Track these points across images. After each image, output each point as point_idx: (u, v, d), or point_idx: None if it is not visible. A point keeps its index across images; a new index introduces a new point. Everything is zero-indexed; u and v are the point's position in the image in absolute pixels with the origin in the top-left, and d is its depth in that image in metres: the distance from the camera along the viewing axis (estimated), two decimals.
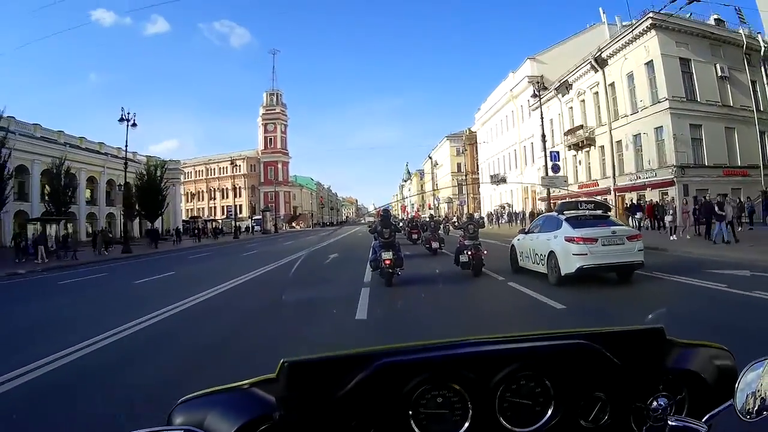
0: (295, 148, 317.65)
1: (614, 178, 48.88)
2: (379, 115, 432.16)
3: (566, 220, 14.49)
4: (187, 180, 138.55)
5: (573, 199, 18.48)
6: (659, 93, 42.75)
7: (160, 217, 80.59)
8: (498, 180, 78.64)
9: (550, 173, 42.04)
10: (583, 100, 54.29)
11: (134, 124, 43.36)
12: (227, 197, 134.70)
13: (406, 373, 1.65)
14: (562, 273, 13.44)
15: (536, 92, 47.16)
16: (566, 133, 55.58)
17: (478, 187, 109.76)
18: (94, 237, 45.79)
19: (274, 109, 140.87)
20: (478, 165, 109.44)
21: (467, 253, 15.85)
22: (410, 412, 1.66)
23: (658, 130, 43.09)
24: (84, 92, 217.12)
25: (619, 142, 48.54)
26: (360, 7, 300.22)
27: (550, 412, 1.74)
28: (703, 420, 1.65)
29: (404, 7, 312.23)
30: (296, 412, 1.54)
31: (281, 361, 1.66)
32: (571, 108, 56.19)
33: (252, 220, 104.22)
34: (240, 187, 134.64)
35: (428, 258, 23.72)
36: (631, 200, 45.25)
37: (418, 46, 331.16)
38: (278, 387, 1.64)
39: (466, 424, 1.68)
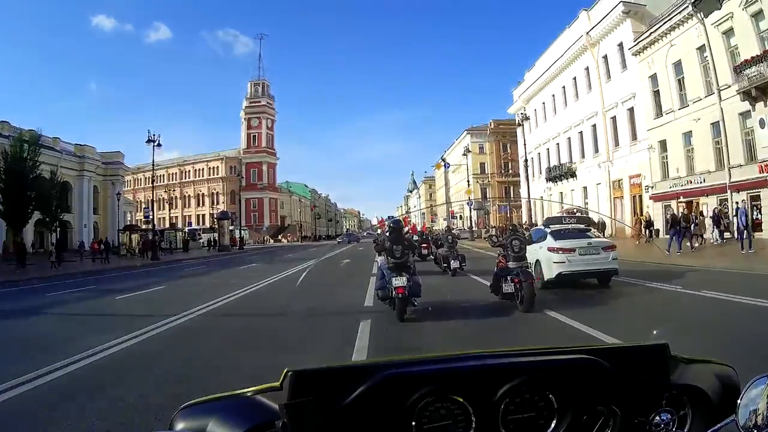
0: (295, 161, 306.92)
1: None
2: (383, 129, 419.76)
3: (551, 232, 15.85)
4: (158, 185, 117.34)
5: (557, 215, 20.91)
6: None
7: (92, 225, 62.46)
8: (561, 174, 53.19)
9: None
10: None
11: None
12: (203, 204, 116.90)
13: (410, 385, 1.62)
14: (545, 279, 14.71)
15: None
16: (738, 68, 29.28)
17: (508, 189, 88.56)
18: None
19: (259, 101, 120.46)
20: (504, 163, 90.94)
21: (512, 279, 12.01)
22: (413, 424, 1.62)
23: None
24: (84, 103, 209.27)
25: None
26: (363, 22, 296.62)
27: (553, 425, 1.71)
28: None
29: (404, 18, 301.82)
30: (299, 422, 1.48)
31: (285, 370, 1.63)
32: (729, 32, 30.34)
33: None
34: (217, 193, 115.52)
35: (448, 281, 18.97)
36: None
37: (421, 58, 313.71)
38: (281, 396, 1.60)
39: None
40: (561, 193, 55.51)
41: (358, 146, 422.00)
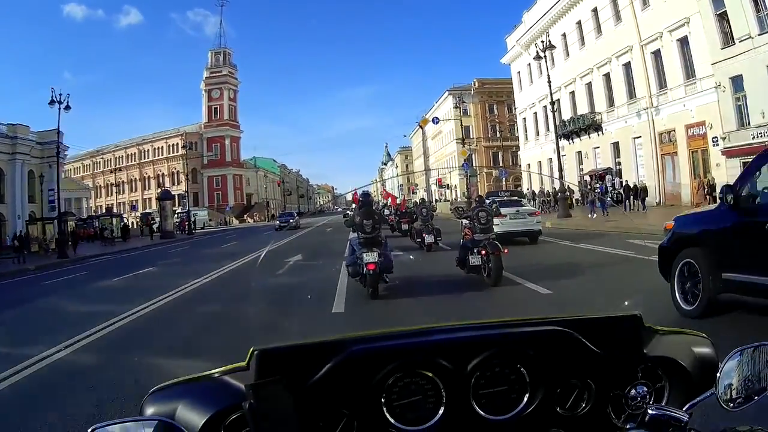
0: (268, 139, 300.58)
1: None
2: (357, 103, 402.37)
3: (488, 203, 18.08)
4: (118, 166, 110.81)
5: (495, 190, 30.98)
6: None
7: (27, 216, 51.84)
8: (579, 128, 44.32)
9: None
10: None
11: None
12: (164, 185, 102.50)
13: (378, 361, 1.61)
14: None
15: None
16: None
17: (497, 154, 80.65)
18: None
19: (220, 71, 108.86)
20: (491, 126, 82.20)
21: (479, 252, 11.71)
22: (383, 400, 1.61)
23: None
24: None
25: None
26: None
27: (525, 399, 1.70)
28: (684, 408, 1.56)
29: None
30: (265, 402, 1.42)
31: (251, 349, 1.59)
32: None
33: (177, 214, 68.72)
34: (178, 172, 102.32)
35: (423, 257, 18.47)
36: None
37: (394, 30, 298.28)
38: (249, 375, 1.56)
39: (441, 411, 1.64)
40: (579, 152, 46.16)
41: (333, 121, 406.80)
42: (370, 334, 1.75)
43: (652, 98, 35.87)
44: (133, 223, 74.17)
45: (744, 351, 1.56)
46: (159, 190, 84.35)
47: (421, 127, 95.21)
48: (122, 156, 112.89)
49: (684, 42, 32.58)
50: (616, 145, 41.07)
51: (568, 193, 35.90)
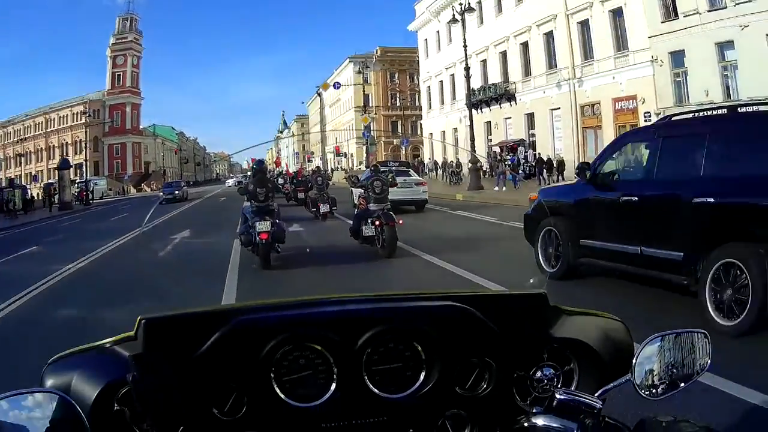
0: (167, 105, 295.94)
1: None
2: (255, 73, 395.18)
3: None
4: (24, 136, 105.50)
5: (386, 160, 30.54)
6: None
7: None
8: (490, 97, 41.09)
9: None
10: None
11: None
12: (67, 154, 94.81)
13: (265, 333, 1.50)
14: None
15: None
16: None
17: (396, 124, 78.60)
18: None
19: (126, 38, 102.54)
20: (392, 95, 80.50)
21: (373, 222, 11.25)
22: (272, 375, 1.51)
23: None
24: None
25: None
26: None
27: (421, 377, 1.60)
28: (596, 394, 1.47)
29: None
30: (150, 374, 1.35)
31: (138, 317, 1.50)
32: None
33: (77, 183, 61.96)
34: (81, 141, 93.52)
35: (317, 226, 18.23)
36: None
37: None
38: (137, 346, 1.48)
39: (332, 387, 1.54)
40: (488, 122, 42.02)
41: (232, 90, 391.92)
42: (257, 304, 1.66)
43: (575, 69, 32.06)
44: (37, 194, 68.58)
45: (665, 337, 1.47)
46: (63, 158, 76.27)
47: (319, 95, 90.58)
48: (30, 125, 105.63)
49: (617, 13, 29.10)
50: (530, 117, 37.21)
51: (480, 164, 33.45)
